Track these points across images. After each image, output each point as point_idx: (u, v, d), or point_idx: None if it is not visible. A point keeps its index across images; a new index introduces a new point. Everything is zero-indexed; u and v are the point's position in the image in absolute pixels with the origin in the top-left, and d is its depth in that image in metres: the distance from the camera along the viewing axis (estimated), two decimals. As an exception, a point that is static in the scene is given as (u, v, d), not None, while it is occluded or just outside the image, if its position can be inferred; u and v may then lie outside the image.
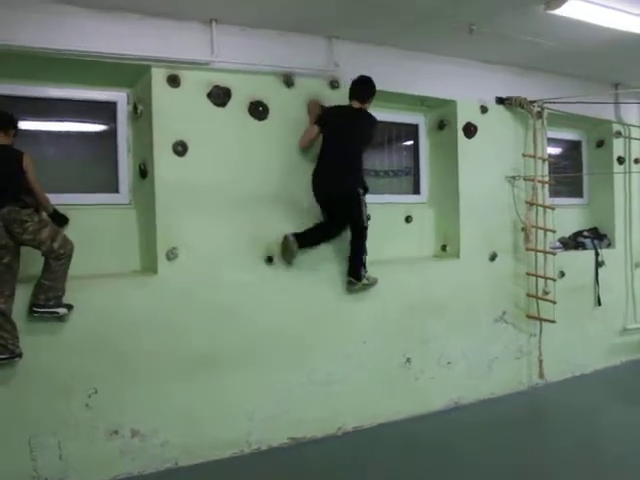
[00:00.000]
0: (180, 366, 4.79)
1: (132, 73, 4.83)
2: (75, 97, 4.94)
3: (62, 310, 4.25)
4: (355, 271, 5.37)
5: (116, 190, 5.07)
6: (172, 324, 4.76)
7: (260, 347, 5.11)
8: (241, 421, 5.05)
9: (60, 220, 4.52)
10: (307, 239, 5.17)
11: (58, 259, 4.15)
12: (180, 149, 4.80)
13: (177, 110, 4.79)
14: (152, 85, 4.73)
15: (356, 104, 5.21)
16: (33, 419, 4.28)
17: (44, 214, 4.35)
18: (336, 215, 5.25)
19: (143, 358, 4.66)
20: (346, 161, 5.10)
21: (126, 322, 4.61)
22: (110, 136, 5.04)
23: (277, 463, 4.95)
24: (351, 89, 5.24)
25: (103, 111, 5.08)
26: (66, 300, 4.29)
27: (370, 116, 5.24)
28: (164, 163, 4.75)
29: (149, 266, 4.91)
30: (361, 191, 5.17)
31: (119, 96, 5.06)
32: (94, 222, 4.84)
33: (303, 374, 5.31)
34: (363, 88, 5.22)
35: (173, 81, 4.79)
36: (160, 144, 4.72)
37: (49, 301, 4.18)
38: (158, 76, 4.74)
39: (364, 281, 5.41)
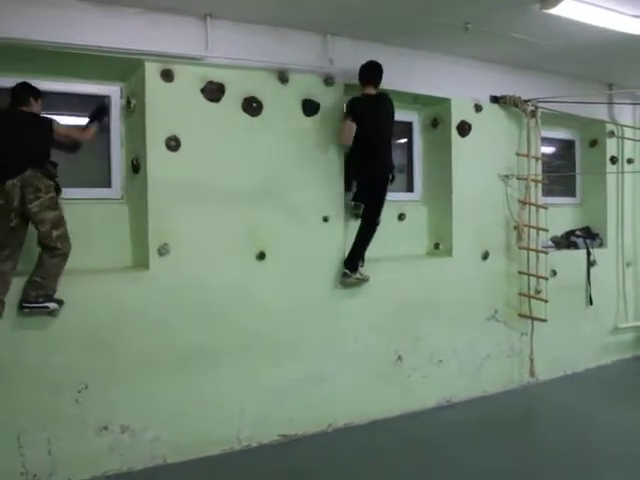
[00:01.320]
0: (171, 362, 4.78)
1: (125, 67, 4.80)
2: (68, 90, 4.91)
3: (53, 305, 4.22)
4: (353, 262, 5.43)
5: (108, 185, 5.04)
6: (164, 320, 4.75)
7: (251, 344, 5.10)
8: (232, 418, 5.04)
9: (99, 113, 4.71)
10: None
11: (52, 254, 4.12)
12: (173, 144, 4.78)
13: (170, 105, 4.78)
14: (145, 79, 4.70)
15: (371, 90, 5.36)
16: (22, 415, 4.26)
17: (60, 200, 4.30)
18: (369, 201, 5.47)
19: (134, 354, 4.64)
20: (383, 147, 5.37)
21: (117, 318, 4.59)
22: (103, 130, 4.99)
23: (267, 460, 4.94)
24: (364, 75, 5.36)
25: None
26: (57, 295, 4.28)
27: (389, 99, 5.43)
28: (157, 158, 4.73)
29: (141, 262, 4.88)
30: (390, 177, 5.42)
31: (112, 90, 5.02)
32: (86, 217, 4.79)
33: (295, 371, 5.30)
34: (376, 72, 5.35)
35: (167, 76, 4.77)
36: (153, 139, 4.70)
37: (39, 297, 4.15)
38: (152, 70, 4.72)
39: (357, 275, 5.45)
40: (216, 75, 4.93)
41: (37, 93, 4.38)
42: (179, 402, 4.82)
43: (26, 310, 4.15)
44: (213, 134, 4.95)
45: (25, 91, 4.32)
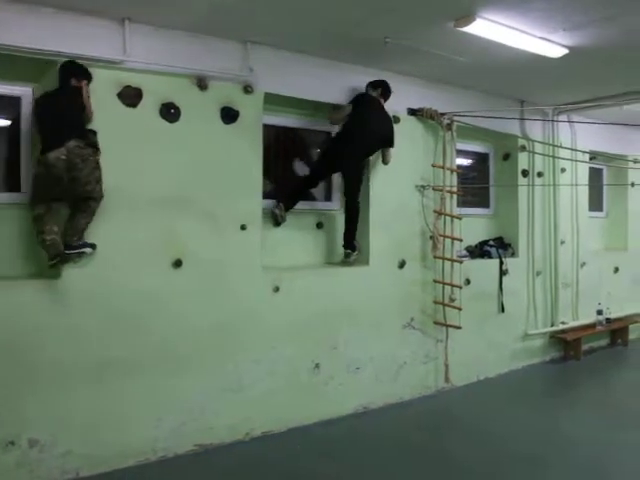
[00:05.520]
0: (84, 373, 4.66)
1: (38, 68, 4.65)
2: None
3: (88, 249, 4.59)
4: (351, 243, 6.06)
5: (17, 189, 4.85)
6: (76, 329, 4.62)
7: (168, 353, 5.03)
8: (147, 429, 4.96)
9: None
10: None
11: (97, 200, 4.54)
12: (88, 149, 4.66)
13: (84, 109, 4.65)
14: (59, 81, 4.57)
15: (382, 100, 6.13)
16: None
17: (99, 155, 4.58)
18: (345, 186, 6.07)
19: (45, 365, 4.50)
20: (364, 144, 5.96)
21: (27, 327, 4.44)
22: (12, 132, 4.82)
23: (182, 471, 4.89)
24: (385, 87, 6.13)
25: (5, 106, 4.85)
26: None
27: (390, 118, 6.19)
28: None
29: (52, 270, 4.72)
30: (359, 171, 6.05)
31: (24, 91, 4.84)
32: (-7, 222, 4.63)
33: (212, 380, 5.26)
34: (390, 91, 6.17)
35: (81, 78, 4.65)
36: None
37: (80, 241, 4.53)
38: (65, 72, 4.59)
39: (357, 252, 6.12)
40: (134, 80, 4.85)
41: (79, 73, 4.54)
42: (92, 414, 4.69)
43: (70, 254, 4.49)
44: (130, 139, 4.86)
45: (65, 71, 4.53)
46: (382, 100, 6.11)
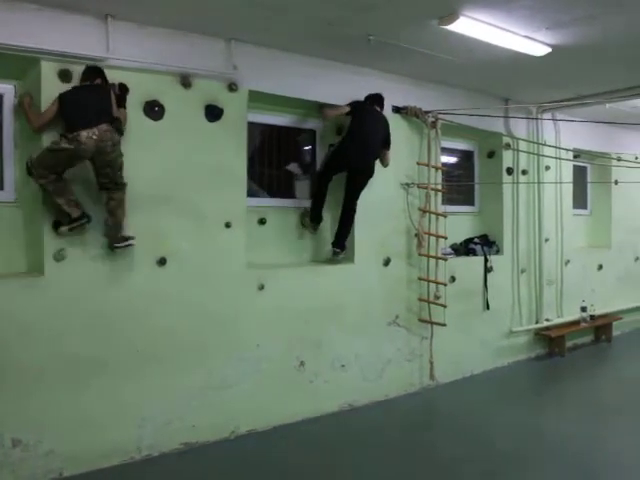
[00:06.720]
0: (68, 373, 4.64)
1: (20, 65, 4.61)
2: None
3: (133, 241, 4.85)
4: (341, 243, 6.13)
5: (1, 187, 4.81)
6: (60, 327, 4.60)
7: (153, 352, 5.02)
8: (131, 427, 4.95)
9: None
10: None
11: (121, 188, 4.72)
12: (70, 146, 4.63)
13: (67, 106, 4.61)
14: (41, 79, 4.55)
15: (377, 107, 6.24)
16: None
17: None
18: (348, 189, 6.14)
19: (29, 363, 4.48)
20: (367, 145, 6.02)
21: (9, 325, 4.41)
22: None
23: (167, 469, 4.89)
24: (378, 99, 6.22)
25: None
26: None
27: (386, 120, 6.30)
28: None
29: (35, 267, 4.70)
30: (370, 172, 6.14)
31: (6, 88, 4.79)
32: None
33: (196, 379, 5.25)
34: (382, 100, 6.27)
35: (64, 76, 4.64)
36: (49, 140, 4.53)
37: (125, 236, 4.83)
38: (48, 70, 4.58)
39: (344, 252, 6.22)
40: (117, 77, 4.81)
41: (100, 73, 4.72)
42: (76, 413, 4.67)
43: (118, 248, 4.80)
44: (113, 137, 4.83)
45: (91, 72, 4.68)
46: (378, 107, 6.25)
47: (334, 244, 6.16)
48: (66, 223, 4.56)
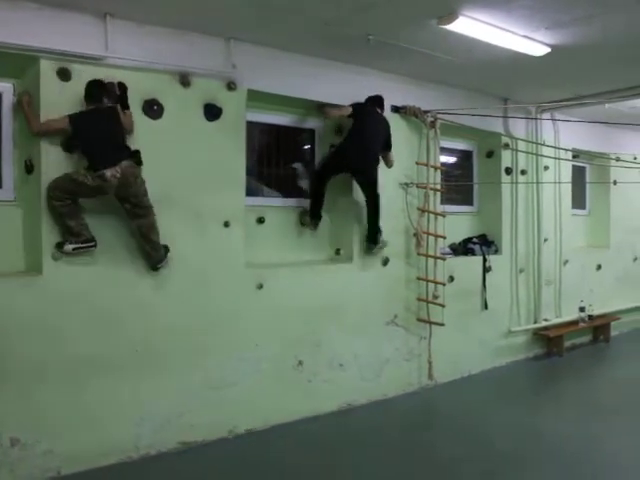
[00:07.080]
0: (66, 372, 4.63)
1: (19, 64, 4.60)
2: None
3: (168, 255, 5.04)
4: (374, 237, 6.25)
5: (-1, 186, 4.82)
6: (58, 326, 4.59)
7: (150, 352, 5.01)
8: (130, 427, 4.94)
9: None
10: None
11: (148, 214, 4.81)
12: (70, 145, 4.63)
13: (67, 105, 4.59)
14: (40, 77, 4.54)
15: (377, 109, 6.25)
16: None
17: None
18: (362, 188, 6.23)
19: (27, 362, 4.47)
20: (367, 146, 6.05)
21: (8, 323, 4.40)
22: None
23: (165, 468, 4.88)
24: (378, 100, 6.23)
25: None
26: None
27: (387, 121, 6.32)
28: (51, 159, 4.58)
29: (34, 266, 4.69)
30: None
31: (4, 87, 4.78)
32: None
33: (195, 378, 5.25)
34: (382, 102, 6.28)
35: (63, 74, 4.63)
36: (48, 139, 4.55)
37: (161, 255, 4.96)
38: (47, 68, 4.56)
39: (380, 245, 6.31)
40: (116, 76, 4.80)
41: (103, 88, 4.68)
42: (74, 412, 4.67)
43: (160, 268, 5.01)
44: (112, 136, 4.83)
45: (97, 89, 4.64)
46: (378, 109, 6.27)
47: (370, 239, 6.28)
48: (72, 243, 4.58)
